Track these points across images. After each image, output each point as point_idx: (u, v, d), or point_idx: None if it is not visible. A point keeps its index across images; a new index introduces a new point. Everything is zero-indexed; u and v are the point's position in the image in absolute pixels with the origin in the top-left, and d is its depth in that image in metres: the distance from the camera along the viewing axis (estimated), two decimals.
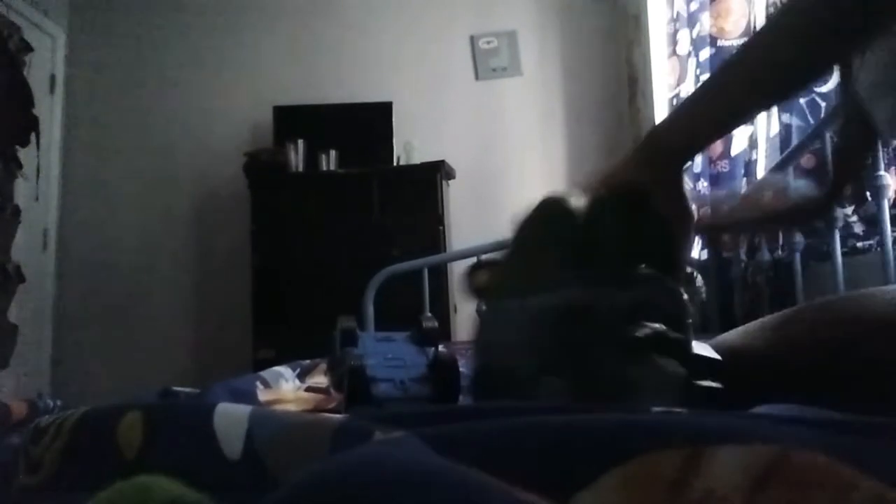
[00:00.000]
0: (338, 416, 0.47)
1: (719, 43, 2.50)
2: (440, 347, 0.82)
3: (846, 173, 0.93)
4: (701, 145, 0.76)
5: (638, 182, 0.67)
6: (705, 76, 2.58)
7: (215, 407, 0.45)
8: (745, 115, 0.74)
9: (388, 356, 0.77)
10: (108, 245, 3.90)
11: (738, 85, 0.66)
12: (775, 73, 0.64)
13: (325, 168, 3.53)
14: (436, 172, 3.45)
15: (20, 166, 3.54)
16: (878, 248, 1.60)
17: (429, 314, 0.87)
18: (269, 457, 0.41)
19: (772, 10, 2.12)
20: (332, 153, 3.54)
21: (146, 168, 3.96)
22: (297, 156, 3.54)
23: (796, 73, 0.65)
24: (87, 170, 3.97)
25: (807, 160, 1.84)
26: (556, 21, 4.01)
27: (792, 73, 0.64)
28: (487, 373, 0.68)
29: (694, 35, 2.73)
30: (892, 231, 1.56)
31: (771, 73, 0.64)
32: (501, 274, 0.73)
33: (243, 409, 0.44)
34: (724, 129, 0.80)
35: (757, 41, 0.69)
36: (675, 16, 2.96)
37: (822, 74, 0.80)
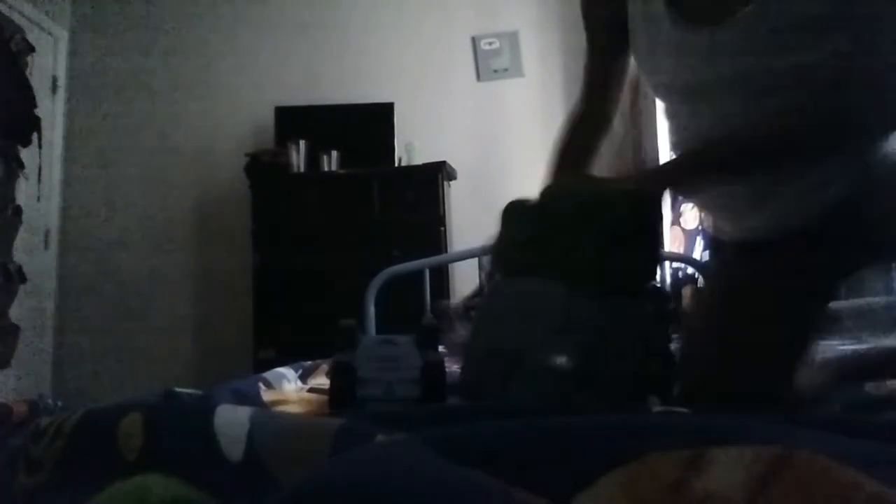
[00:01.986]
0: (338, 418, 0.47)
1: None
2: (439, 349, 0.82)
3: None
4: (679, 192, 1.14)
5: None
6: None
7: (216, 409, 0.45)
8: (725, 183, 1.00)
9: (384, 358, 0.78)
10: (110, 245, 3.90)
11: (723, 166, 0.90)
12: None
13: (326, 169, 3.53)
14: (437, 173, 3.45)
15: (22, 166, 3.54)
16: None
17: (430, 315, 0.88)
18: (270, 458, 0.41)
19: None
20: (334, 154, 3.54)
21: (148, 168, 3.96)
22: (298, 156, 3.54)
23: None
24: (88, 170, 3.97)
25: None
26: (558, 22, 4.00)
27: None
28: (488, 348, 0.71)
29: None
30: None
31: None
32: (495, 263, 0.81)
33: (244, 411, 0.44)
34: (702, 188, 1.08)
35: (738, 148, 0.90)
36: None
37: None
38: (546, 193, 0.77)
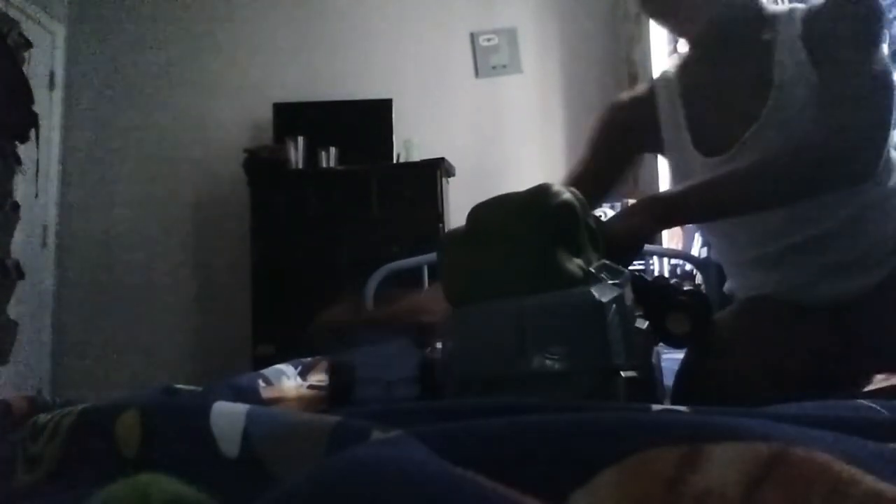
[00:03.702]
0: (335, 415, 0.47)
1: None
2: (436, 346, 0.82)
3: None
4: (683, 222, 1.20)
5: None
6: None
7: (212, 405, 0.45)
8: (726, 216, 1.05)
9: (381, 356, 0.79)
10: (108, 242, 3.90)
11: (725, 198, 0.94)
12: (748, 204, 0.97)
13: (324, 165, 3.53)
14: (435, 170, 3.44)
15: (20, 162, 3.53)
16: None
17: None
18: (266, 455, 0.41)
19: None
20: (332, 150, 3.54)
21: (146, 164, 3.96)
22: (297, 153, 3.53)
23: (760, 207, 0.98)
24: (86, 166, 3.97)
25: None
26: (557, 18, 4.00)
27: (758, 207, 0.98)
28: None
29: None
30: None
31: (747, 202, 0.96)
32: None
33: (240, 408, 0.44)
34: (705, 220, 1.16)
35: (743, 178, 0.94)
36: None
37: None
38: (472, 215, 0.79)
